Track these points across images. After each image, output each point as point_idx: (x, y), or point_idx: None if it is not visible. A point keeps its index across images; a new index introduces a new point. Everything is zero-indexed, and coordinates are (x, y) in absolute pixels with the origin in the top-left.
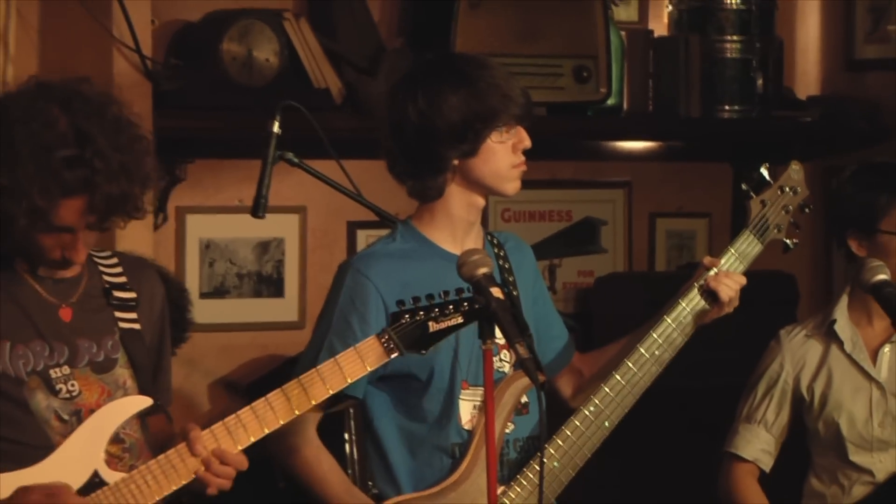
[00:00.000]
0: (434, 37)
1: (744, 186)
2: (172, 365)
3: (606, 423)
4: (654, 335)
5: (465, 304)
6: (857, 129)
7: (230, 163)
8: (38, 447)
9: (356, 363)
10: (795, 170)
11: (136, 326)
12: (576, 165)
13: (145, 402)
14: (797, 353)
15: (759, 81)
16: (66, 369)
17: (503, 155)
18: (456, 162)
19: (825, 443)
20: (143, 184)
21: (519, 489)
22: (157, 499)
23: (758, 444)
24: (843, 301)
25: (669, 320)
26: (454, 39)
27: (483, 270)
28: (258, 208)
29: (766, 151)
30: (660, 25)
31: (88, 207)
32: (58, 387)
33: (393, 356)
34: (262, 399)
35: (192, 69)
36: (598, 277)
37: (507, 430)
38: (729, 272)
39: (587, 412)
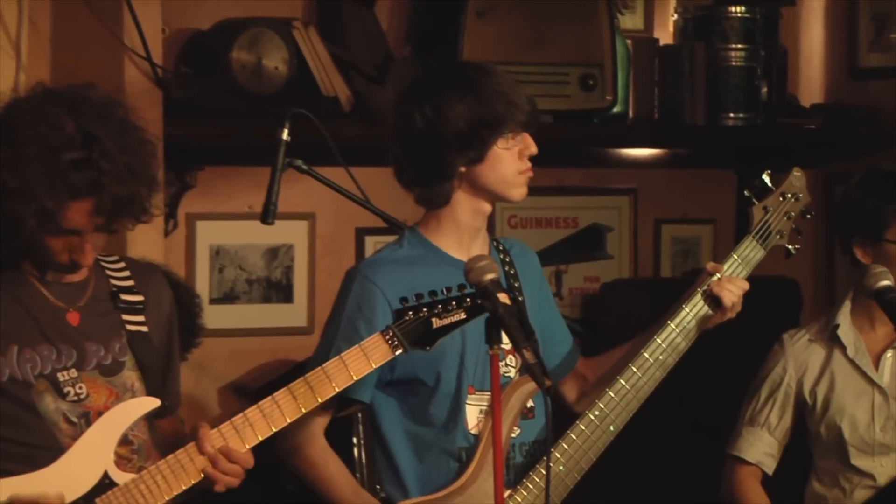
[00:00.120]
0: (442, 45)
1: (746, 193)
2: (183, 370)
3: (611, 428)
4: (658, 340)
5: (468, 299)
6: (860, 136)
7: (240, 170)
8: (48, 449)
9: (361, 361)
10: (797, 176)
11: (144, 329)
12: (582, 172)
13: (153, 403)
14: (800, 357)
15: (764, 89)
16: (74, 372)
17: (509, 161)
18: (463, 169)
19: (827, 446)
20: (149, 185)
21: (525, 493)
22: (167, 498)
23: (761, 447)
24: (846, 306)
25: (673, 325)
26: (461, 48)
27: (490, 276)
28: (268, 215)
29: (770, 158)
30: (665, 34)
31: (96, 209)
32: (65, 389)
33: (398, 353)
34: (269, 398)
35: (202, 77)
36: (604, 283)
37: (514, 435)
38: (732, 277)
39: (592, 416)
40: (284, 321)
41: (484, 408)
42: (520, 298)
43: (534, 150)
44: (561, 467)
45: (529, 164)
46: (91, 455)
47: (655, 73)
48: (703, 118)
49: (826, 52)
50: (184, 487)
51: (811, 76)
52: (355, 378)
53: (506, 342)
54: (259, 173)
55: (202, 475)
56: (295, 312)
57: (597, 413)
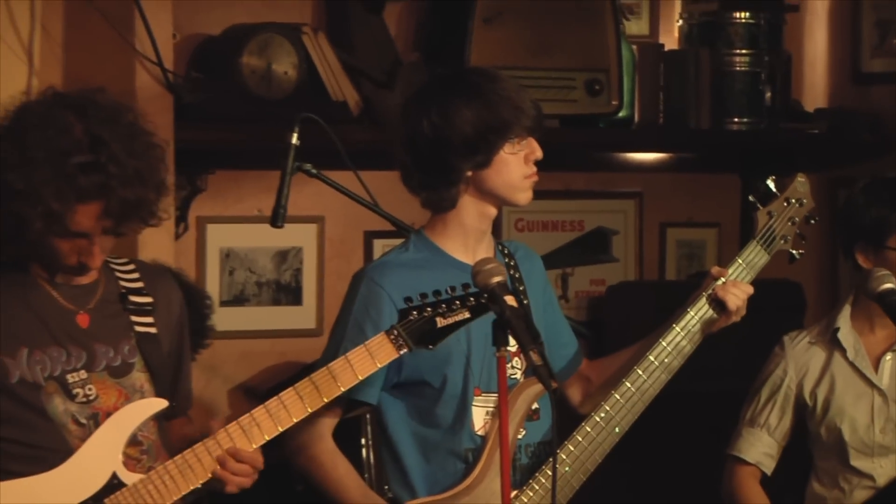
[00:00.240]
0: (449, 51)
1: (751, 198)
2: (193, 371)
3: (617, 429)
4: (664, 343)
5: (472, 299)
6: (863, 140)
7: (250, 174)
8: (57, 451)
9: (367, 361)
10: (801, 182)
11: (153, 331)
12: (588, 176)
13: (161, 404)
14: (800, 359)
15: (768, 94)
16: (84, 374)
17: (515, 166)
18: (469, 173)
19: (827, 447)
20: (157, 189)
21: (531, 493)
22: (175, 498)
23: (760, 448)
24: (846, 310)
25: (678, 328)
26: (469, 53)
27: (497, 279)
28: (277, 218)
29: (774, 162)
30: (670, 39)
31: (104, 212)
32: (74, 391)
33: (402, 352)
34: (276, 398)
35: (212, 82)
36: (609, 286)
37: (519, 436)
38: (736, 282)
39: (598, 418)
40: (293, 323)
41: (490, 409)
42: (525, 301)
43: (539, 154)
44: (567, 468)
45: (535, 169)
46: (99, 456)
47: (661, 79)
48: (707, 123)
49: (829, 57)
50: (192, 487)
51: (815, 81)
52: (360, 378)
53: (511, 344)
54: (269, 177)
55: (210, 475)
56: (304, 315)
57: (602, 415)
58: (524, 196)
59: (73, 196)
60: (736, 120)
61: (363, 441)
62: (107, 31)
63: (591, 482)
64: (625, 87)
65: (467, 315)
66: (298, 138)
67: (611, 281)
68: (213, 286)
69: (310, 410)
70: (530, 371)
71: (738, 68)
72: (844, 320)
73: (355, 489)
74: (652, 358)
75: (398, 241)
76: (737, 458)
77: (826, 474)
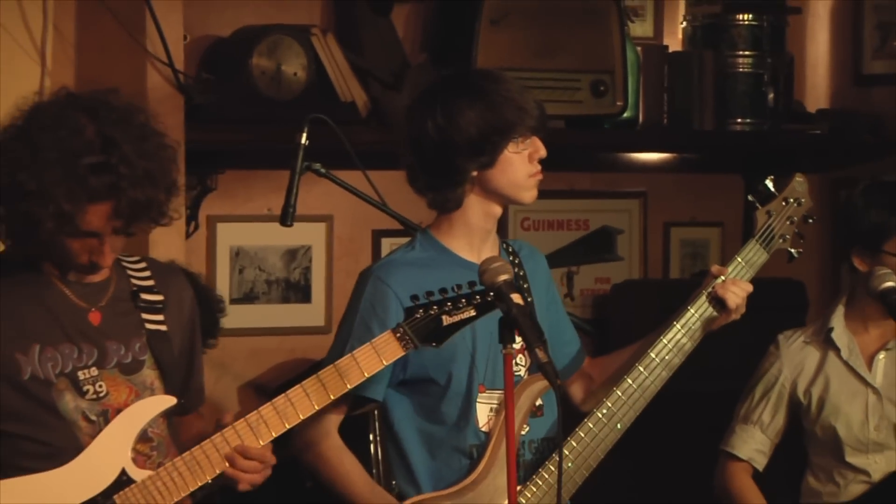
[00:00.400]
0: (456, 52)
1: (750, 198)
2: (204, 368)
3: (619, 426)
4: (665, 340)
5: (477, 297)
6: (864, 141)
7: (259, 173)
8: (67, 448)
9: (373, 358)
10: (799, 182)
11: (163, 328)
12: (593, 176)
13: (170, 401)
14: (795, 358)
15: (770, 95)
16: (94, 371)
17: (520, 165)
18: (474, 174)
19: (822, 444)
20: (168, 190)
21: (535, 489)
22: (184, 495)
23: (753, 445)
24: (840, 310)
25: (679, 326)
26: (476, 55)
27: (504, 277)
28: (286, 217)
29: (776, 163)
30: (674, 41)
31: (114, 212)
32: (85, 388)
33: (408, 350)
34: (283, 395)
35: (222, 83)
36: (614, 284)
37: (523, 432)
38: (736, 280)
39: (600, 415)
40: (302, 321)
41: (494, 406)
42: (529, 299)
43: (543, 153)
44: (569, 464)
45: (539, 168)
46: (109, 452)
47: (665, 80)
48: (711, 124)
49: (831, 59)
50: (200, 483)
51: (817, 83)
52: (367, 375)
53: (516, 342)
54: (278, 177)
55: (219, 471)
56: (313, 312)
57: (605, 411)
58: (529, 195)
59: (84, 196)
60: (739, 121)
61: (371, 437)
62: (118, 32)
63: (594, 479)
64: (629, 88)
65: (473, 313)
66: (307, 138)
67: (616, 279)
68: (223, 284)
69: (317, 407)
70: (535, 368)
71: (741, 70)
72: (838, 320)
73: (362, 485)
74: (653, 355)
75: (405, 240)
76: (729, 454)
77: (821, 470)
